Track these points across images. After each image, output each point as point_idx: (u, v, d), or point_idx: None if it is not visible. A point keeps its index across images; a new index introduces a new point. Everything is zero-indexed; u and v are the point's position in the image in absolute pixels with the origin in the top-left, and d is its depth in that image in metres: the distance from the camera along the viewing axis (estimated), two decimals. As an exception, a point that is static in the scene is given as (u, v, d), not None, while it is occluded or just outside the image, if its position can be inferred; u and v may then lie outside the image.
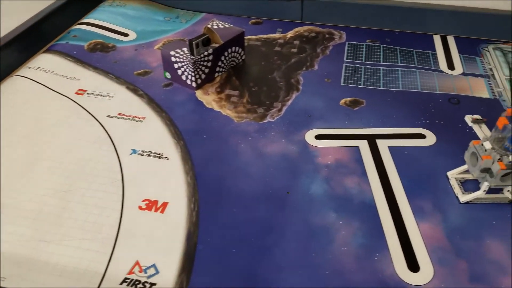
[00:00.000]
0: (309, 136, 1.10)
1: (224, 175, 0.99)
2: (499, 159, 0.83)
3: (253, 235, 0.86)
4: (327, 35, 1.51)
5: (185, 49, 1.23)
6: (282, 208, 0.92)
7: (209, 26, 1.31)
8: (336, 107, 1.20)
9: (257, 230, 0.87)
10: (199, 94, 1.24)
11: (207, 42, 1.21)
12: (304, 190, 0.96)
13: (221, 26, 1.34)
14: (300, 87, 1.27)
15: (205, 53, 1.21)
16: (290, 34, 1.52)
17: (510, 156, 0.82)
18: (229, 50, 1.31)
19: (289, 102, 1.21)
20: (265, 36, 1.51)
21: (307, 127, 1.13)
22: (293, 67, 1.36)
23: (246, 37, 1.48)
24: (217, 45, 1.25)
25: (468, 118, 0.96)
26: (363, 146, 1.07)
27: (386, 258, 0.83)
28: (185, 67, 1.21)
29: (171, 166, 1.00)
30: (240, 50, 1.35)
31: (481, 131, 0.94)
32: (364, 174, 1.00)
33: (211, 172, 0.99)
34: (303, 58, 1.40)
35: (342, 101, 1.22)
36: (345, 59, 1.39)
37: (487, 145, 0.84)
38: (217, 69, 1.29)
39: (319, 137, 1.10)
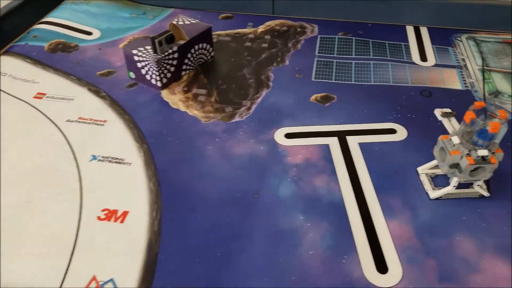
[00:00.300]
0: (279, 135, 1.06)
1: (189, 179, 0.95)
2: (467, 154, 0.81)
3: (218, 242, 0.83)
4: (299, 29, 1.48)
5: (148, 47, 1.18)
6: (249, 212, 0.88)
7: (175, 22, 1.26)
8: (307, 103, 1.17)
9: (223, 236, 0.84)
10: (165, 94, 1.19)
11: (171, 39, 1.16)
12: (272, 192, 0.93)
13: (187, 22, 1.29)
14: (271, 83, 1.24)
15: (170, 51, 1.17)
16: (261, 28, 1.48)
17: (479, 151, 0.80)
18: (196, 47, 1.26)
19: (259, 100, 1.18)
20: (236, 31, 1.47)
21: (276, 125, 1.09)
22: (264, 63, 1.32)
23: (215, 33, 1.44)
24: (182, 42, 1.21)
25: (437, 112, 0.94)
26: (333, 143, 1.04)
27: (354, 260, 0.80)
28: (148, 66, 1.16)
29: (133, 172, 0.96)
30: (208, 46, 1.31)
31: (451, 124, 0.92)
32: (333, 172, 0.97)
33: (176, 176, 0.96)
34: (274, 53, 1.36)
35: (313, 97, 1.19)
36: (316, 53, 1.35)
37: (455, 140, 0.82)
38: (184, 67, 1.25)
39: (288, 135, 1.07)
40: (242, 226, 0.86)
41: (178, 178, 0.95)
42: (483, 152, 0.80)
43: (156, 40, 1.13)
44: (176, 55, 1.19)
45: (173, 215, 0.87)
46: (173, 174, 0.96)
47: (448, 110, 0.94)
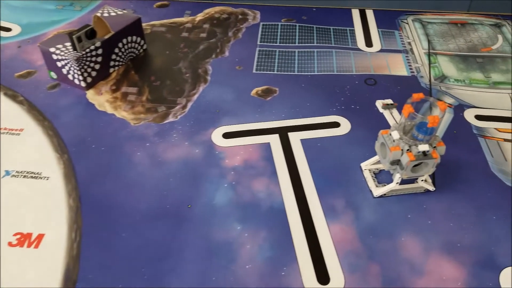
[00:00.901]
0: (216, 135, 0.98)
1: (114, 192, 0.86)
2: (408, 149, 0.76)
3: (145, 263, 0.75)
4: (240, 16, 1.38)
5: (68, 44, 1.06)
6: (181, 226, 0.80)
7: (99, 14, 1.15)
8: (247, 98, 1.09)
9: (150, 256, 0.76)
10: (90, 94, 1.08)
11: (91, 34, 1.05)
12: (207, 200, 0.85)
13: (113, 14, 1.17)
14: (208, 78, 1.15)
15: (92, 47, 1.05)
16: (199, 16, 1.38)
17: (419, 146, 0.75)
18: (125, 41, 1.15)
19: (195, 97, 1.09)
20: (172, 20, 1.36)
21: (214, 124, 1.01)
22: (202, 55, 1.22)
23: (149, 23, 1.33)
24: (107, 37, 1.10)
25: (378, 104, 0.89)
26: (275, 141, 0.97)
27: (294, 271, 0.74)
28: (69, 65, 1.05)
29: (51, 188, 0.85)
30: (139, 39, 1.20)
31: (392, 117, 0.87)
32: (274, 174, 0.90)
33: (99, 190, 0.86)
34: (213, 44, 1.26)
35: (254, 91, 1.11)
36: (258, 42, 1.27)
37: (395, 135, 0.77)
38: (112, 63, 1.14)
39: (227, 135, 0.99)
40: (173, 242, 0.78)
41: (101, 191, 0.86)
42: (423, 147, 0.75)
43: (74, 36, 1.01)
44: (100, 51, 1.08)
45: (95, 235, 0.78)
46: (96, 187, 0.86)
47: (389, 101, 0.88)
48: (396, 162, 0.79)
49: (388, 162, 0.79)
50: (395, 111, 0.88)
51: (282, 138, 0.98)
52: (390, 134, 0.78)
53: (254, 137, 0.98)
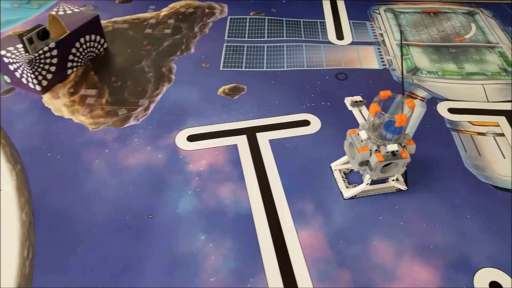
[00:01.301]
0: (180, 138, 0.93)
1: (70, 204, 0.80)
2: (376, 150, 0.73)
3: (103, 280, 0.70)
4: (207, 10, 1.33)
5: (20, 45, 1.00)
6: (141, 238, 0.76)
7: (54, 13, 1.08)
8: (214, 97, 1.04)
9: (108, 273, 0.71)
10: (47, 98, 1.02)
11: (43, 34, 0.98)
12: (170, 209, 0.80)
13: (69, 12, 1.10)
14: (173, 76, 1.09)
15: (45, 48, 0.99)
16: (164, 11, 1.32)
17: (388, 146, 0.72)
18: (83, 40, 1.09)
19: (159, 98, 1.03)
20: (135, 16, 1.29)
21: (178, 127, 0.96)
22: (166, 52, 1.16)
23: (110, 20, 1.26)
24: (61, 37, 1.03)
25: (347, 101, 0.85)
26: (242, 143, 0.93)
27: (261, 281, 0.70)
28: (22, 68, 0.98)
29: (3, 202, 0.80)
30: (99, 38, 1.14)
31: (361, 115, 0.83)
32: (241, 178, 0.86)
33: (54, 202, 0.81)
34: (177, 40, 1.21)
35: (221, 89, 1.06)
36: (226, 38, 1.22)
37: (363, 135, 0.73)
38: (70, 64, 1.07)
39: (191, 138, 0.94)
40: (133, 256, 0.73)
41: (57, 204, 0.80)
42: (392, 147, 0.71)
43: (24, 38, 0.94)
44: (55, 52, 1.01)
45: (49, 252, 0.73)
46: (51, 199, 0.81)
47: (358, 98, 0.85)
48: (365, 163, 0.75)
49: (357, 163, 0.75)
50: (364, 108, 0.85)
51: (250, 139, 0.93)
52: (358, 134, 0.74)
53: (221, 139, 0.93)
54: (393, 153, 0.72)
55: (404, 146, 0.73)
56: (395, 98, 0.75)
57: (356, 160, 0.75)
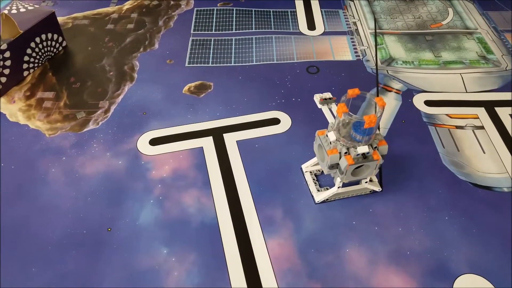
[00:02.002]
0: (142, 142, 0.88)
1: (24, 218, 0.75)
2: (346, 152, 0.68)
3: (55, 303, 0.65)
4: (172, 2, 1.25)
5: (-34, 47, 0.93)
6: (99, 254, 0.71)
7: (6, 11, 1.00)
8: (178, 96, 0.98)
9: (61, 294, 0.66)
10: (2, 103, 0.95)
11: (-10, 35, 0.91)
12: (131, 220, 0.75)
13: (22, 10, 1.03)
14: (135, 75, 1.03)
15: (-6, 51, 0.92)
16: (127, 5, 1.24)
17: (358, 148, 0.67)
18: (38, 40, 1.01)
19: (120, 98, 0.97)
20: (96, 11, 1.22)
21: (140, 129, 0.90)
22: (128, 49, 1.10)
23: (70, 16, 1.19)
24: (13, 38, 0.96)
25: (316, 98, 0.80)
26: (208, 145, 0.88)
27: (227, 297, 0.67)
28: (-31, 72, 0.91)
29: None
30: (56, 36, 1.06)
31: (331, 113, 0.78)
32: (206, 184, 0.81)
33: (6, 217, 0.75)
34: (141, 35, 1.14)
35: (186, 87, 1.00)
36: (192, 31, 1.15)
37: (331, 136, 0.68)
38: (26, 66, 1.00)
39: (154, 141, 0.88)
40: (90, 274, 0.68)
41: (9, 219, 0.74)
42: (363, 149, 0.67)
43: (-32, 39, 0.88)
44: (8, 54, 0.94)
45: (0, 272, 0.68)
46: (4, 213, 0.75)
47: (328, 95, 0.79)
48: (335, 166, 0.71)
49: (326, 166, 0.71)
50: (334, 106, 0.80)
51: (217, 140, 0.88)
52: (327, 135, 0.70)
53: (185, 141, 0.88)
54: (364, 155, 0.68)
55: (375, 147, 0.68)
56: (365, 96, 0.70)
57: (326, 163, 0.70)
